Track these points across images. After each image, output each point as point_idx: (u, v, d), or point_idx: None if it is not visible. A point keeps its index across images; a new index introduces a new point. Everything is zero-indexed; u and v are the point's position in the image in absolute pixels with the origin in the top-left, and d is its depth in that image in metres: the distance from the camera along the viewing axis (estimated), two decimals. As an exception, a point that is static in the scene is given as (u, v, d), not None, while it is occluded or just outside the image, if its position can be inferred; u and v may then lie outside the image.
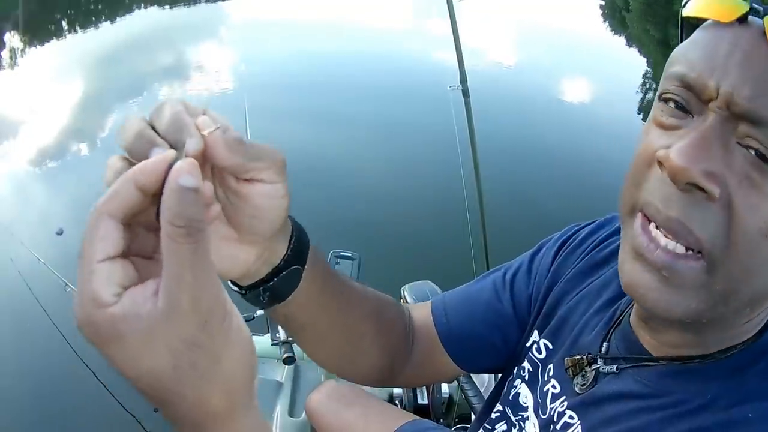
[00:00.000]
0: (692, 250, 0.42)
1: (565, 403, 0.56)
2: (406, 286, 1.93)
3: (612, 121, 7.42)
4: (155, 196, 0.32)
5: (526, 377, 0.64)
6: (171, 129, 0.36)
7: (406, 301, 1.86)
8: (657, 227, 0.44)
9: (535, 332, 0.66)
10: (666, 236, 0.43)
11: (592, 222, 0.68)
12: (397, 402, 1.84)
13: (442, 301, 0.73)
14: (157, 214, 0.32)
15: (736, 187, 0.40)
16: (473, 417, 1.72)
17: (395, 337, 0.69)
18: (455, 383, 1.75)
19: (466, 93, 1.34)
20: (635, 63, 11.50)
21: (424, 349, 0.71)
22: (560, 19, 12.36)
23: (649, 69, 11.32)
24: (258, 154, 0.41)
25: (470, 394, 1.65)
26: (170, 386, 0.32)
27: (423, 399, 1.81)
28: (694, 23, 0.45)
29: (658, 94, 0.46)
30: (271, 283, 0.49)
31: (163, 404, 0.33)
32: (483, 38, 8.70)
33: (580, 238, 0.67)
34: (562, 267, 0.66)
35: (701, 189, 0.40)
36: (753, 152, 0.40)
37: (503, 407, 0.66)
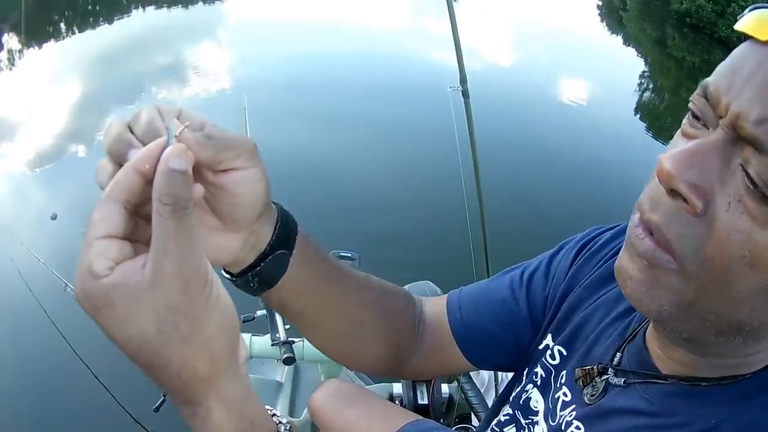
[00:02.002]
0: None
1: (574, 413, 0.56)
2: (406, 286, 1.92)
3: (610, 121, 7.43)
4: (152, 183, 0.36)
5: (539, 382, 0.64)
6: (146, 133, 0.39)
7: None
8: None
9: (549, 336, 0.65)
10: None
11: (615, 227, 0.67)
12: (397, 401, 1.84)
13: (458, 295, 0.73)
14: None
15: (723, 207, 0.40)
16: (473, 417, 1.72)
17: (401, 327, 0.69)
18: (455, 383, 1.76)
19: (466, 94, 1.34)
20: (632, 62, 11.52)
21: (434, 341, 0.71)
22: (557, 19, 12.36)
23: (646, 68, 11.34)
24: (227, 145, 0.42)
25: (470, 394, 1.65)
26: (156, 350, 0.35)
27: (423, 399, 1.81)
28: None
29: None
30: (258, 268, 0.50)
31: (151, 368, 0.36)
32: (482, 38, 8.71)
33: (600, 242, 0.66)
34: (580, 272, 0.66)
35: (685, 200, 0.40)
36: (747, 179, 0.39)
37: (513, 410, 0.66)
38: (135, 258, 0.36)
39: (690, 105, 0.44)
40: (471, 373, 1.70)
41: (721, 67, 0.42)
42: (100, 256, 0.35)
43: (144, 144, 0.38)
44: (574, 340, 0.62)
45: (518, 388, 0.67)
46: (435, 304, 0.73)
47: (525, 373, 0.68)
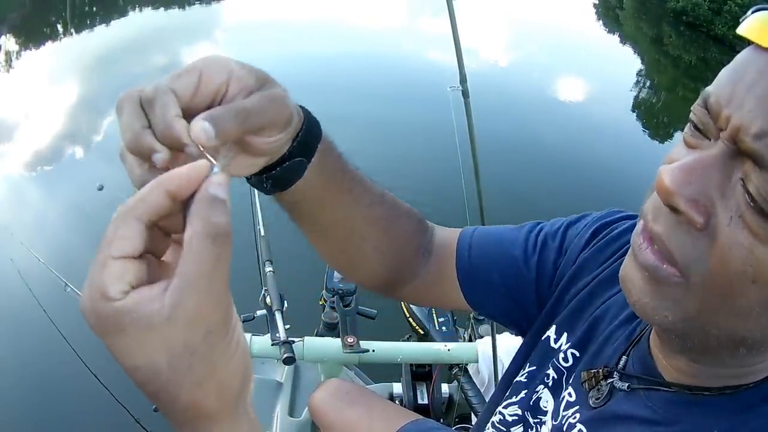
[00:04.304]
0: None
1: (578, 415, 0.56)
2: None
3: (608, 119, 7.44)
4: (182, 203, 0.33)
5: (550, 384, 0.63)
6: (167, 138, 0.37)
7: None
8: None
9: (562, 334, 0.64)
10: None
11: (634, 216, 0.65)
12: (397, 401, 1.85)
13: (471, 235, 0.71)
14: (183, 221, 0.33)
15: (725, 221, 0.39)
16: (473, 417, 1.73)
17: (405, 251, 0.68)
18: (455, 383, 1.76)
19: (465, 94, 1.34)
20: (629, 61, 11.53)
21: (438, 272, 0.70)
22: (554, 18, 12.36)
23: (642, 67, 11.34)
24: (250, 116, 0.41)
25: (470, 394, 1.65)
26: (164, 385, 0.33)
27: (423, 399, 1.81)
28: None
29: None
30: (273, 172, 0.50)
31: (157, 400, 0.34)
32: (480, 38, 8.71)
33: (617, 231, 0.64)
34: (593, 258, 0.64)
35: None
36: (747, 195, 0.38)
37: (522, 411, 0.65)
38: (153, 285, 0.32)
39: (691, 115, 0.43)
40: (471, 372, 1.70)
41: (723, 76, 0.41)
42: (116, 279, 0.32)
43: (162, 141, 0.37)
44: (586, 342, 0.62)
45: (528, 389, 0.66)
46: (446, 236, 0.72)
47: (533, 370, 0.67)
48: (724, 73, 0.41)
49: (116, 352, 0.32)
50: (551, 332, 0.66)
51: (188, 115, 0.38)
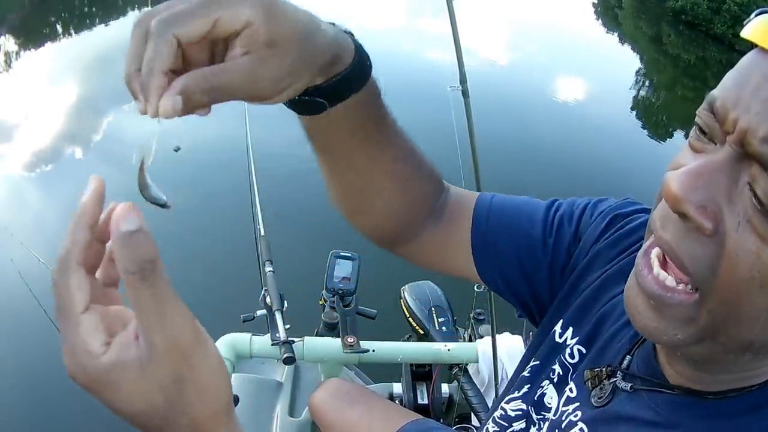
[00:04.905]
0: (683, 284, 0.42)
1: (579, 413, 0.56)
2: (406, 286, 1.93)
3: (607, 118, 7.44)
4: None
5: (555, 380, 0.63)
6: (143, 92, 0.36)
7: (407, 301, 1.87)
8: (657, 250, 0.44)
9: (569, 329, 0.64)
10: (660, 266, 0.43)
11: (648, 211, 0.63)
12: (397, 401, 1.85)
13: (490, 203, 0.69)
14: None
15: (733, 227, 0.39)
16: (473, 417, 1.73)
17: (417, 211, 0.66)
18: (455, 383, 1.76)
19: (465, 93, 1.34)
20: (628, 60, 11.53)
21: (449, 233, 0.68)
22: (553, 17, 12.36)
23: (641, 66, 11.35)
24: (225, 92, 0.38)
25: (470, 394, 1.65)
26: (164, 416, 0.35)
27: (423, 399, 1.81)
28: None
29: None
30: (295, 100, 0.46)
31: (161, 430, 0.36)
32: (479, 38, 8.70)
33: (630, 227, 0.63)
34: (603, 252, 0.63)
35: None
36: (755, 198, 0.38)
37: (526, 406, 0.65)
38: (126, 330, 0.35)
39: (696, 119, 0.43)
40: (471, 372, 1.70)
41: (728, 79, 0.40)
42: (92, 333, 0.34)
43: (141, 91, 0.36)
44: (593, 339, 0.61)
45: (532, 384, 0.65)
46: (462, 200, 0.70)
47: (536, 365, 0.66)
48: (729, 76, 0.40)
49: (114, 405, 0.34)
50: (558, 327, 0.65)
51: (183, 60, 0.37)
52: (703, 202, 0.39)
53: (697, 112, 0.43)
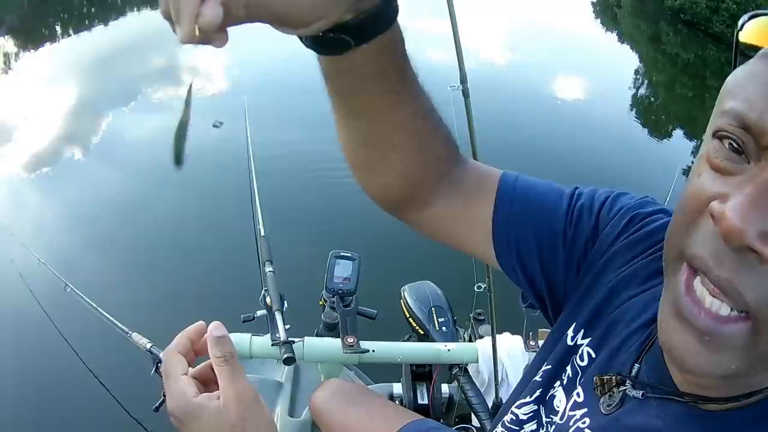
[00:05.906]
0: (737, 311, 0.40)
1: (587, 420, 0.55)
2: (406, 286, 1.93)
3: (607, 117, 7.44)
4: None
5: (565, 382, 0.62)
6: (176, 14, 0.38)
7: (407, 301, 1.87)
8: (702, 282, 0.41)
9: (580, 332, 0.63)
10: (712, 294, 0.40)
11: (667, 212, 0.62)
12: (397, 401, 1.84)
13: (514, 184, 0.67)
14: None
15: None
16: (473, 417, 1.72)
17: (430, 174, 0.64)
18: (455, 383, 1.76)
19: (466, 93, 1.33)
20: (627, 59, 11.53)
21: (467, 208, 0.66)
22: (552, 17, 12.35)
23: (640, 65, 11.35)
24: (261, 9, 0.38)
25: (470, 394, 1.65)
26: None
27: (423, 399, 1.81)
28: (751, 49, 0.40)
29: (711, 130, 0.42)
30: (314, 38, 0.46)
31: None
32: (480, 37, 8.71)
33: (649, 229, 0.61)
34: (620, 254, 0.61)
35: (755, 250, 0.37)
36: None
37: (538, 407, 0.64)
38: (209, 388, 0.60)
39: (722, 134, 0.40)
40: (471, 373, 1.70)
41: (749, 89, 0.39)
42: (189, 385, 0.58)
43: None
44: (603, 343, 0.60)
45: (545, 386, 0.65)
46: (484, 176, 0.68)
47: (548, 369, 0.65)
48: (751, 87, 0.39)
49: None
50: (570, 331, 0.64)
51: None
52: (764, 228, 0.37)
53: (716, 128, 0.41)
